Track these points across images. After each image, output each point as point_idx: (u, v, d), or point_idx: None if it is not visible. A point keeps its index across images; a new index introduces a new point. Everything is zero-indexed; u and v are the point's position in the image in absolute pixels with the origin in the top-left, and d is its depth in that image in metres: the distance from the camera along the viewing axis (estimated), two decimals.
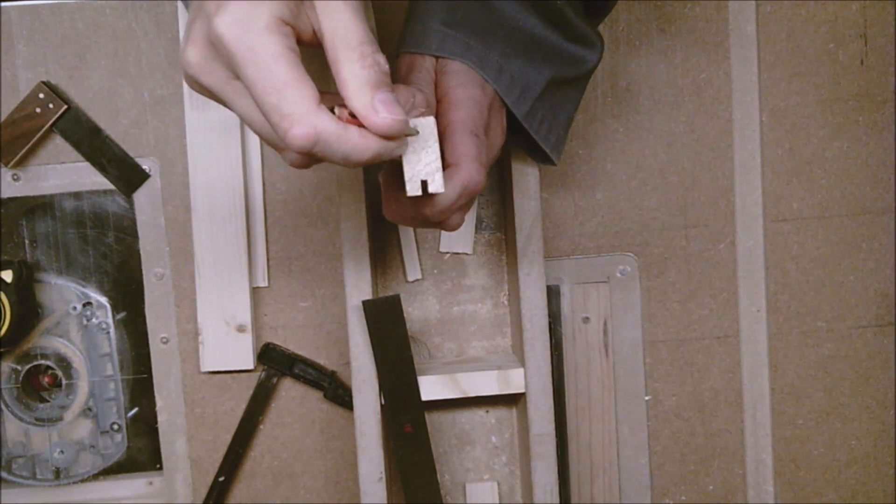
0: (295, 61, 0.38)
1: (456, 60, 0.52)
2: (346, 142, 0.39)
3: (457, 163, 0.49)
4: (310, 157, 0.42)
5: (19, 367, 0.75)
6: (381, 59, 0.41)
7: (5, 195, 0.74)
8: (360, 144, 0.40)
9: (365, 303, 0.65)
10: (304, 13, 0.40)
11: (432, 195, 0.48)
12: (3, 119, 0.72)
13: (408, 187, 0.46)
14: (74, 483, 0.77)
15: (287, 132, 0.38)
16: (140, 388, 0.76)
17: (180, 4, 0.72)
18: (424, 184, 0.46)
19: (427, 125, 0.46)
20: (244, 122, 0.41)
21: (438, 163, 0.46)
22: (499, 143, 0.55)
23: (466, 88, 0.52)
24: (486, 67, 0.53)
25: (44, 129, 0.73)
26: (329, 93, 0.43)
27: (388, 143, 0.41)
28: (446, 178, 0.48)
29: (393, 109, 0.40)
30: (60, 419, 0.76)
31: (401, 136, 0.41)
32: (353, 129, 0.40)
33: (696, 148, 0.75)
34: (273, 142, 0.43)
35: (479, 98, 0.52)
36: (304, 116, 0.38)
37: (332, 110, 0.40)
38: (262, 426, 0.76)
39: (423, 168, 0.46)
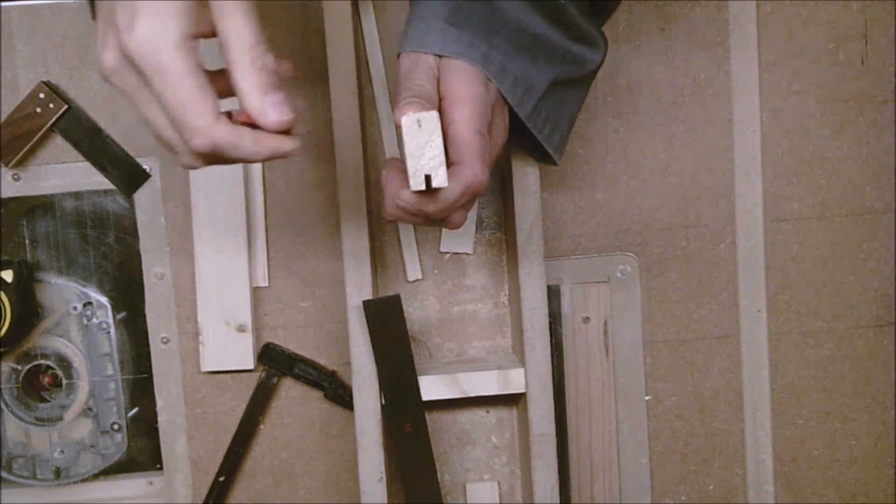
0: (199, 76, 0.42)
1: (459, 59, 0.52)
2: (240, 148, 0.43)
3: (460, 161, 0.49)
4: (209, 159, 0.45)
5: (19, 367, 0.75)
6: (269, 59, 0.44)
7: (5, 195, 0.74)
8: (253, 149, 0.44)
9: (365, 303, 0.65)
10: (208, 9, 0.43)
11: (436, 192, 0.48)
12: (3, 119, 0.72)
13: (411, 182, 0.46)
14: (74, 483, 0.77)
15: (189, 142, 0.43)
16: (140, 388, 0.76)
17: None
18: (428, 178, 0.46)
19: (430, 119, 0.46)
20: (148, 125, 0.45)
21: (442, 157, 0.46)
22: (501, 142, 0.55)
23: (470, 87, 0.52)
24: (489, 66, 0.52)
25: (44, 129, 0.72)
26: None
27: (280, 144, 0.44)
28: (450, 177, 0.48)
29: (282, 111, 0.43)
30: (60, 419, 0.76)
31: (293, 132, 0.44)
32: (248, 135, 0.43)
33: (696, 148, 0.75)
34: (171, 145, 0.45)
35: (482, 96, 0.52)
36: (203, 129, 0.42)
37: (229, 114, 0.43)
38: (262, 426, 0.76)
39: (426, 163, 0.46)
